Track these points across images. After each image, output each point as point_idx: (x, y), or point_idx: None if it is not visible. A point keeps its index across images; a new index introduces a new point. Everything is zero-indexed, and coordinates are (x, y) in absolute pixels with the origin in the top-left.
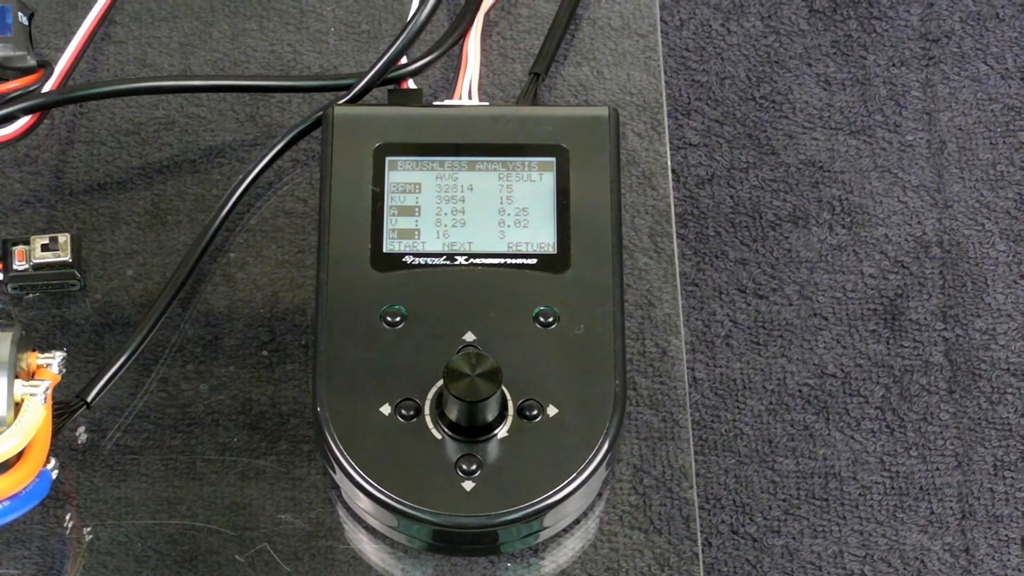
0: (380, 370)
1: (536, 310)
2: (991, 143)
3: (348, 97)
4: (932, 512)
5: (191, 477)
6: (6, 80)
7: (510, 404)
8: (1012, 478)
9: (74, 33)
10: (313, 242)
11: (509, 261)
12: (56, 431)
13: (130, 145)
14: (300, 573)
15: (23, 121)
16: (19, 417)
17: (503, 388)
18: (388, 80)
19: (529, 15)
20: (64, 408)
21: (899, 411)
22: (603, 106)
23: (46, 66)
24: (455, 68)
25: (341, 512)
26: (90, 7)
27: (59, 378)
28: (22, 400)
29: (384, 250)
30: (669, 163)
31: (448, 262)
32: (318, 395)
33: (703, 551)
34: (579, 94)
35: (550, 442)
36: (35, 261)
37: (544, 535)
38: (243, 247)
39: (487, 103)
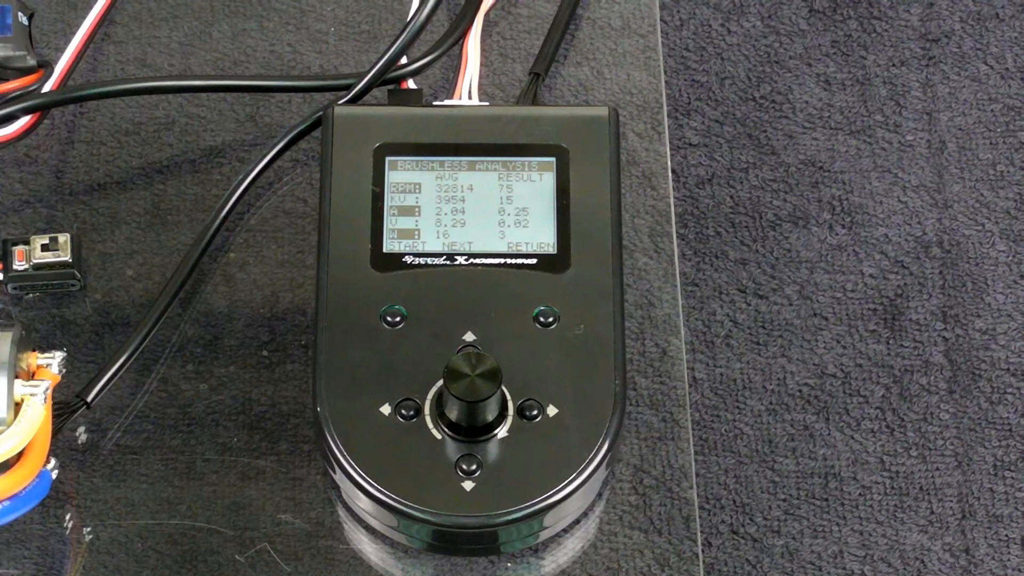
0: (380, 370)
1: (536, 310)
2: (991, 143)
3: (348, 97)
4: (932, 512)
5: (191, 477)
6: (6, 80)
7: (510, 404)
8: (1012, 478)
9: (74, 33)
10: (313, 242)
11: (509, 261)
12: (56, 431)
13: (130, 145)
14: (300, 573)
15: (23, 121)
16: (19, 417)
17: (503, 388)
18: (388, 80)
19: (529, 15)
20: (64, 408)
21: (899, 411)
22: (603, 106)
23: (46, 66)
24: (455, 68)
25: (341, 512)
26: (90, 7)
27: (59, 378)
28: (22, 400)
29: (384, 250)
30: (669, 163)
31: (448, 262)
32: (318, 395)
33: (703, 551)
34: (579, 94)
35: (550, 442)
36: (35, 261)
37: (544, 535)
38: (243, 247)
39: (487, 103)
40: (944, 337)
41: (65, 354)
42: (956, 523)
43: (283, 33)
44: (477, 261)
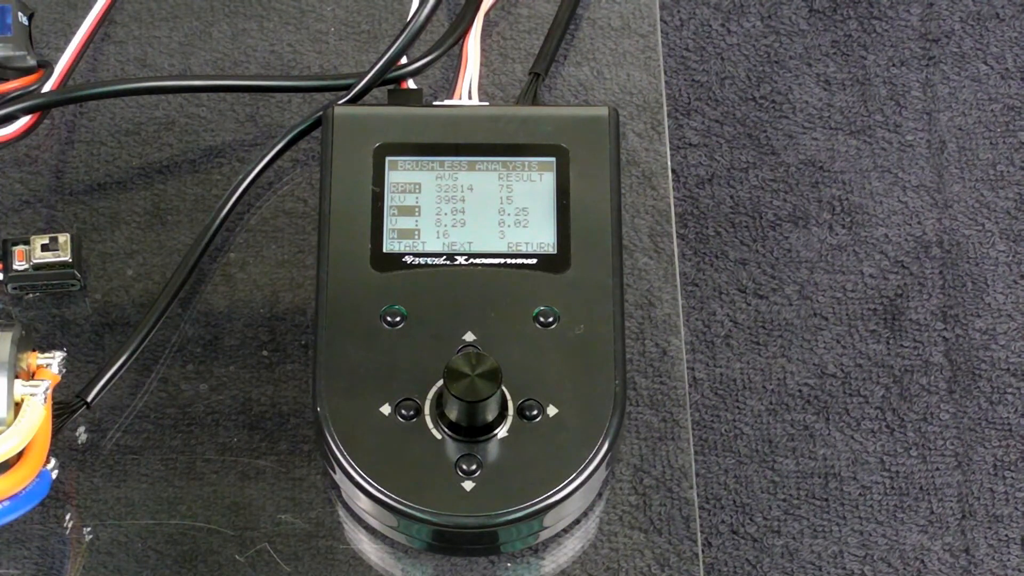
0: (380, 370)
1: (536, 310)
2: (991, 143)
3: (348, 97)
4: (932, 512)
5: (191, 477)
6: (6, 80)
7: (510, 404)
8: (1012, 478)
9: (74, 33)
10: (313, 242)
11: (509, 261)
12: (56, 431)
13: (130, 145)
14: (300, 573)
15: (23, 121)
16: (19, 417)
17: (503, 388)
18: (388, 80)
19: (529, 15)
20: (64, 408)
21: (899, 411)
22: (603, 106)
23: (46, 66)
24: (455, 68)
25: (341, 512)
26: (90, 7)
27: (59, 378)
28: (22, 400)
29: (384, 250)
30: (669, 163)
31: (448, 262)
32: (318, 395)
33: (703, 551)
34: (579, 94)
35: (550, 442)
36: (35, 261)
37: (544, 535)
38: (243, 247)
39: (487, 103)
40: (944, 337)
41: (65, 354)
42: (956, 523)
43: (283, 33)
44: (477, 261)
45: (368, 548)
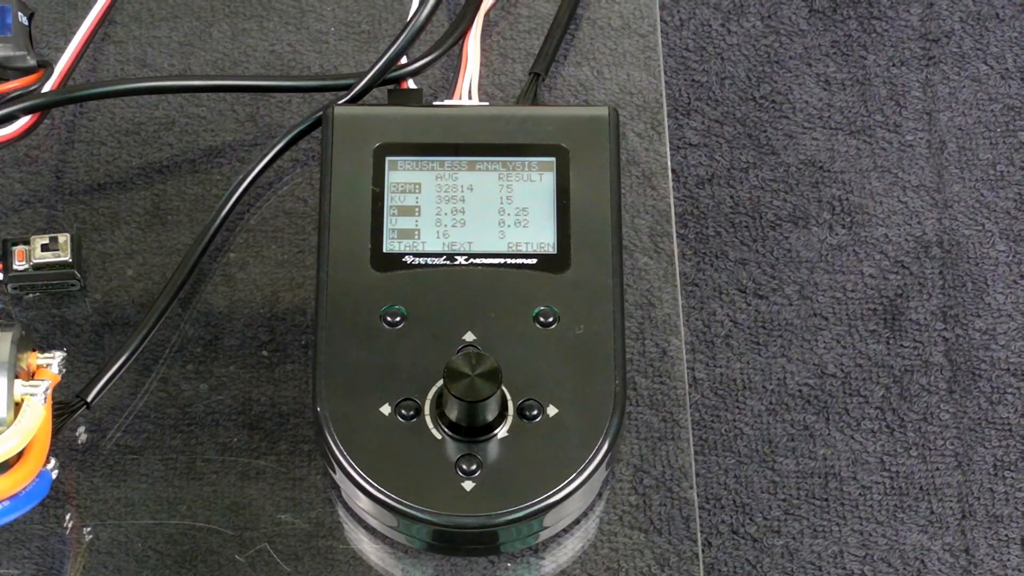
0: (380, 370)
1: (536, 310)
2: (991, 143)
3: (348, 97)
4: (932, 512)
5: (191, 477)
6: (6, 80)
7: (510, 404)
8: (1012, 478)
9: (74, 33)
10: (313, 242)
11: (509, 261)
12: (56, 431)
13: (130, 145)
14: (300, 573)
15: (23, 121)
16: (19, 417)
17: (503, 388)
18: (388, 80)
19: (529, 15)
20: (64, 408)
21: (899, 411)
22: (603, 106)
23: (46, 66)
24: (455, 68)
25: (341, 512)
26: (90, 7)
27: (59, 378)
28: (22, 400)
29: (384, 250)
30: (669, 163)
31: (448, 262)
32: (318, 395)
33: (703, 551)
34: (579, 94)
35: (550, 442)
36: (35, 261)
37: (544, 535)
38: (243, 247)
39: (487, 103)
40: (944, 337)
41: (65, 354)
42: (956, 523)
43: (283, 33)
44: (477, 261)
45: (368, 548)
